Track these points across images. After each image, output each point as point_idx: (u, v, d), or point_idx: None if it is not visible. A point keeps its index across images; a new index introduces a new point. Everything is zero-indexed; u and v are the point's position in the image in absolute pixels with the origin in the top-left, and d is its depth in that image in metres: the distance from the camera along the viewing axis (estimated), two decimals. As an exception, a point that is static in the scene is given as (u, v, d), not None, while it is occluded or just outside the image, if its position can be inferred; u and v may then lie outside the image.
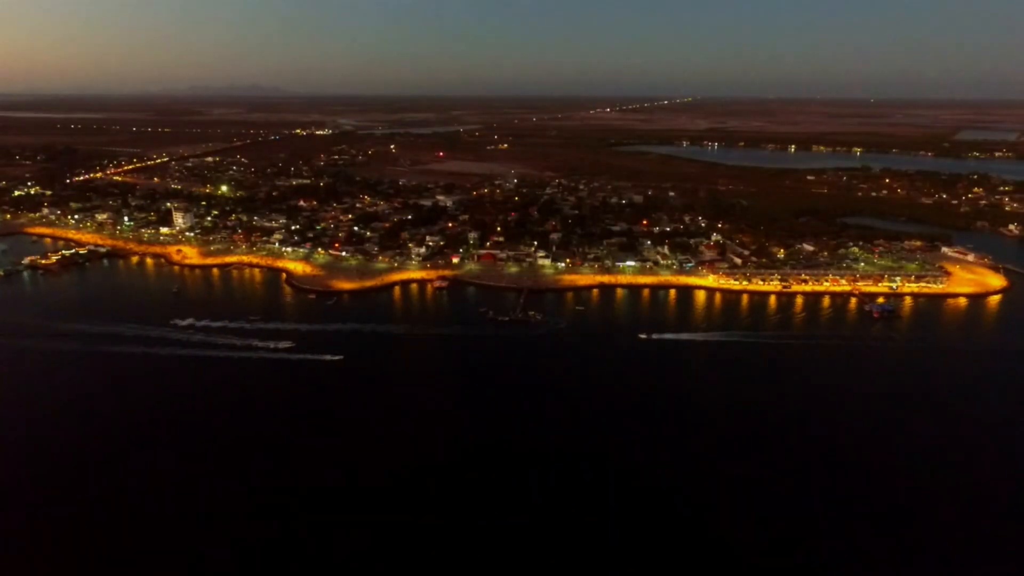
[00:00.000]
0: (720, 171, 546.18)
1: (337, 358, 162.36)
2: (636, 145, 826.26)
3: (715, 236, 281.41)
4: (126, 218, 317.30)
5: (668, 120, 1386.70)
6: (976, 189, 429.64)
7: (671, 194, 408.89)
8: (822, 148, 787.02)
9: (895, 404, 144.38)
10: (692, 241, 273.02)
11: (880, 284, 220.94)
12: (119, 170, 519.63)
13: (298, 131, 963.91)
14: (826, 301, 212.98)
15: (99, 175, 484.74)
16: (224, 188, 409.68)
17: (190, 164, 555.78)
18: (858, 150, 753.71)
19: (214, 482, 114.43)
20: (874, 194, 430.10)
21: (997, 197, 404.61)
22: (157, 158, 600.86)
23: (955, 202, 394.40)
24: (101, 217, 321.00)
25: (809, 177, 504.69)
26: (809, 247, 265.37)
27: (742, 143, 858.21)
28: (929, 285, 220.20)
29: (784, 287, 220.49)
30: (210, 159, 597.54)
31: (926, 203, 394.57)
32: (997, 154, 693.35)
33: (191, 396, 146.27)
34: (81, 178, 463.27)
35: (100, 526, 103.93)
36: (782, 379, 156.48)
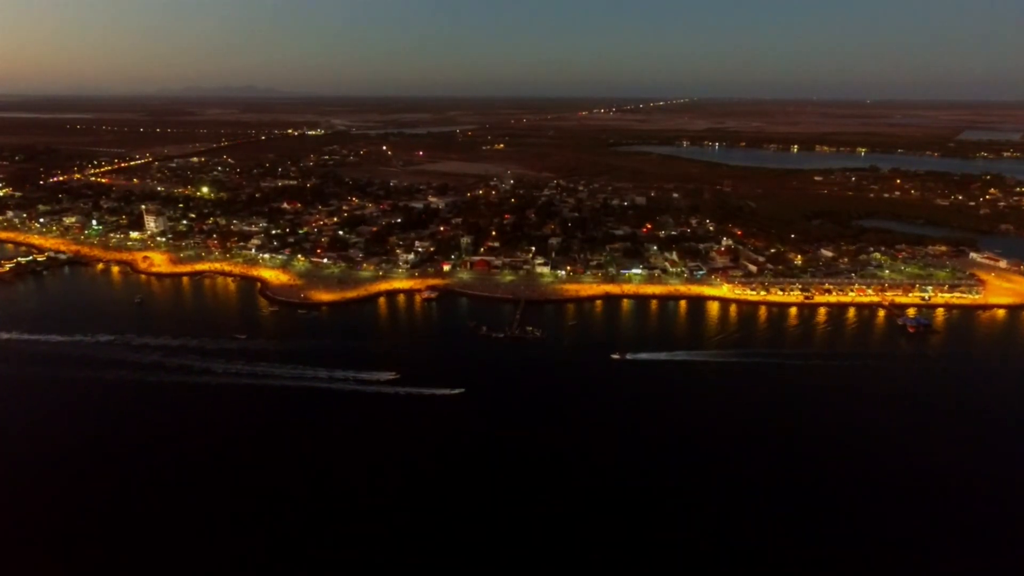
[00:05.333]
0: (723, 171, 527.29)
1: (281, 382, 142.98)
2: (635, 145, 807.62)
3: (726, 241, 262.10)
4: (94, 222, 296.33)
5: (666, 120, 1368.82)
6: (992, 190, 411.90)
7: (675, 195, 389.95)
8: (826, 148, 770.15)
9: (946, 434, 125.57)
10: (702, 246, 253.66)
11: (911, 294, 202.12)
12: (99, 171, 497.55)
13: (289, 131, 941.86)
14: (851, 313, 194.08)
15: (77, 176, 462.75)
16: (205, 189, 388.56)
17: (174, 165, 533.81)
18: (862, 150, 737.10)
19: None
20: (886, 195, 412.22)
21: (1015, 199, 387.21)
22: (140, 158, 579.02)
23: (972, 204, 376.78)
24: (69, 221, 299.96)
25: (816, 178, 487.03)
26: (828, 252, 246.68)
27: (743, 143, 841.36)
28: (963, 295, 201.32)
29: (806, 298, 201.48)
30: (195, 159, 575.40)
31: (942, 204, 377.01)
32: (1005, 154, 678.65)
33: (133, 423, 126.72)
34: (56, 179, 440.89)
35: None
36: (815, 407, 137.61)
